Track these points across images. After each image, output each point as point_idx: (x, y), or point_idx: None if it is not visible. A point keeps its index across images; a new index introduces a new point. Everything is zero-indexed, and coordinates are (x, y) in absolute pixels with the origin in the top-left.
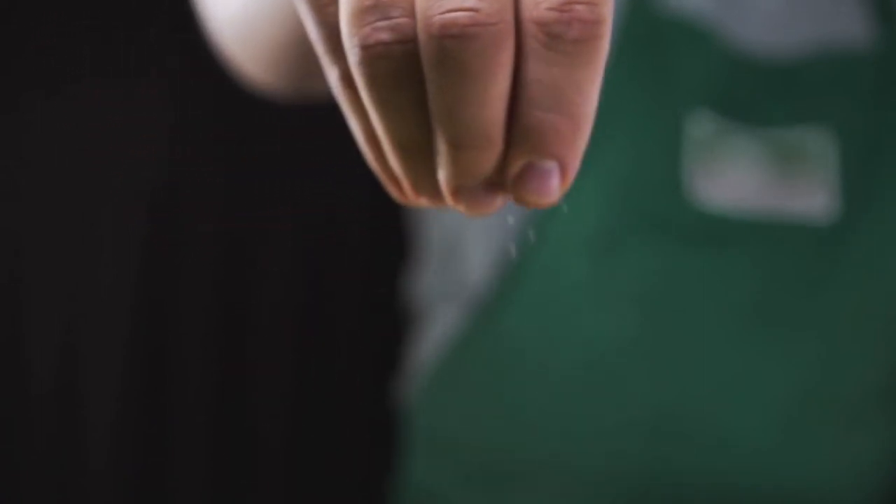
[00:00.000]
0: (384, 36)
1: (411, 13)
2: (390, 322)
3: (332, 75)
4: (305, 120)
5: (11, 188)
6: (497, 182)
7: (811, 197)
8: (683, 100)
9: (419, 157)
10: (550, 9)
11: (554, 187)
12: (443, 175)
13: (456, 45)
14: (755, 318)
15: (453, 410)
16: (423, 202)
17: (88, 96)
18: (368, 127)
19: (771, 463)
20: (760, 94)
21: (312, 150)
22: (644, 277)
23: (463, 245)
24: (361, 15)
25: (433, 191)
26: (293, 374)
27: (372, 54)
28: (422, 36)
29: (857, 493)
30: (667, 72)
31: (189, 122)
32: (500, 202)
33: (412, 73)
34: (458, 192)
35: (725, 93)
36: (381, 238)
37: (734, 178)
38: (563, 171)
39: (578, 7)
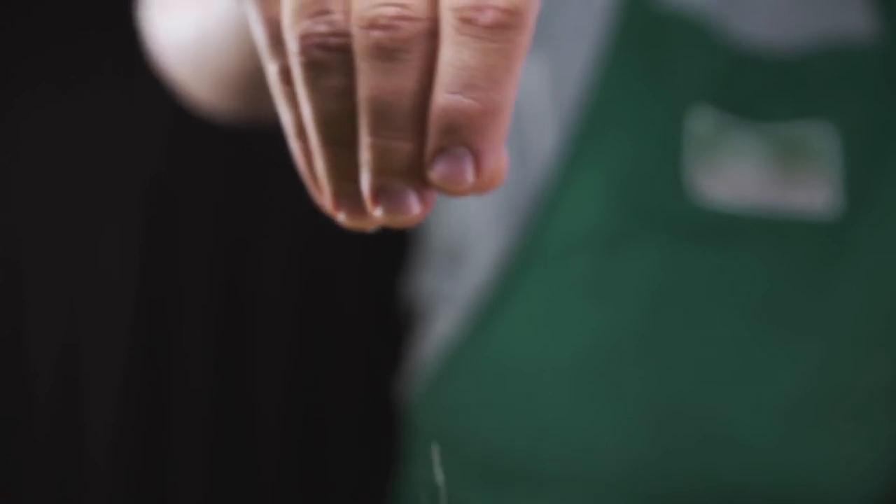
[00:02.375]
0: (321, 28)
1: (348, 11)
2: (392, 322)
3: (271, 70)
4: None
5: (12, 187)
6: (418, 183)
7: (814, 192)
8: (684, 96)
9: (344, 154)
10: None
11: (464, 174)
12: (365, 172)
13: (382, 35)
14: (758, 315)
15: (455, 409)
16: (342, 215)
17: (88, 95)
18: (300, 121)
19: (776, 461)
20: (762, 89)
21: None
22: (646, 275)
23: (465, 247)
24: (302, 9)
25: (354, 197)
26: (294, 373)
27: (309, 44)
28: (354, 29)
29: (862, 491)
30: (667, 68)
31: (189, 121)
32: (420, 207)
33: (344, 64)
34: (379, 192)
35: (726, 88)
36: (382, 238)
37: (736, 174)
38: (476, 159)
39: None
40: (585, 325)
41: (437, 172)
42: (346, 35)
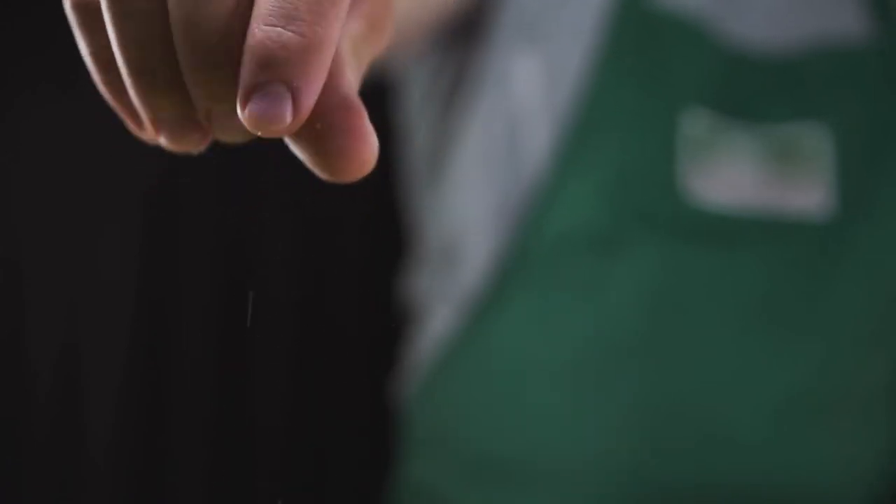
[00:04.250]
0: None
1: None
2: (389, 321)
3: None
4: None
5: (12, 187)
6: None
7: (809, 193)
8: (679, 97)
9: (158, 81)
10: None
11: (282, 113)
12: (194, 95)
13: None
14: (757, 315)
15: (451, 409)
16: (164, 139)
17: (88, 95)
18: (103, 52)
19: (775, 460)
20: (756, 90)
21: None
22: (641, 275)
23: (460, 247)
24: None
25: (175, 120)
26: (292, 372)
27: None
28: None
29: (862, 491)
30: (661, 69)
31: None
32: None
33: None
34: (208, 115)
35: (721, 90)
36: (379, 237)
37: (730, 175)
38: (295, 97)
39: None
40: (580, 325)
41: (252, 111)
42: None
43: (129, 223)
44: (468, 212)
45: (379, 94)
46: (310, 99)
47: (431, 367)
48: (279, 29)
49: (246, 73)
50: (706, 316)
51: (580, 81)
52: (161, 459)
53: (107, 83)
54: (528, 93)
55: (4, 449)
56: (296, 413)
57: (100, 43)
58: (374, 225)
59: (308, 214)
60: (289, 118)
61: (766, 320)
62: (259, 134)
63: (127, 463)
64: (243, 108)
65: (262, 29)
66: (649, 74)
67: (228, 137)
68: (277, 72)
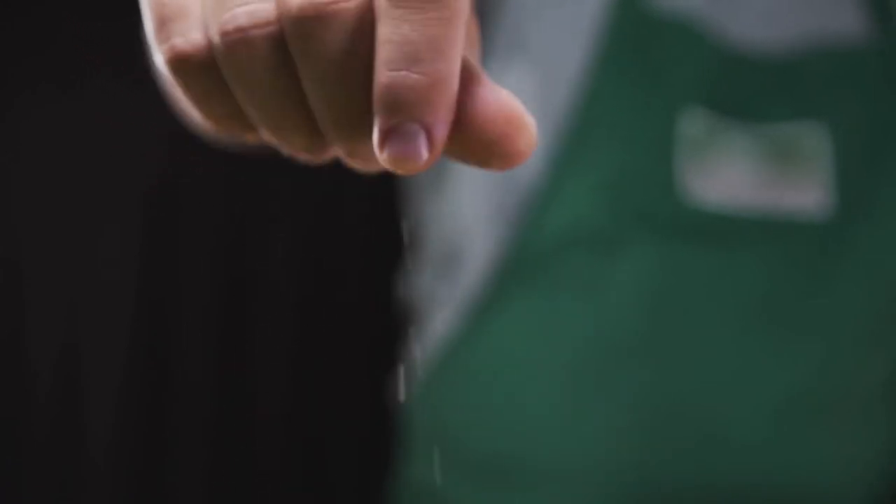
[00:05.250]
0: (242, 21)
1: None
2: (389, 322)
3: (160, 57)
4: None
5: (12, 187)
6: None
7: (807, 193)
8: (676, 97)
9: (298, 136)
10: None
11: (419, 151)
12: (333, 143)
13: (314, 25)
14: (754, 316)
15: (451, 409)
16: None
17: (89, 95)
18: (224, 109)
19: (775, 460)
20: (754, 90)
21: None
22: (639, 275)
23: (460, 249)
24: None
25: (323, 153)
26: (293, 373)
27: (232, 41)
28: (282, 20)
29: (862, 490)
30: (659, 69)
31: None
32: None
33: (278, 55)
34: (350, 155)
35: (719, 89)
36: (380, 238)
37: (728, 175)
38: (429, 133)
39: None
40: (580, 326)
41: (390, 153)
42: (271, 24)
43: (129, 223)
44: (468, 213)
45: None
46: (442, 133)
47: (431, 368)
48: (404, 72)
49: (379, 118)
50: (706, 316)
51: (577, 82)
52: (161, 459)
53: (217, 123)
54: (521, 96)
55: (4, 449)
56: (296, 413)
57: (208, 100)
58: (375, 226)
59: (309, 215)
60: (425, 154)
61: (766, 320)
62: (400, 173)
63: (127, 463)
64: (381, 151)
65: (387, 74)
66: (647, 74)
67: (373, 169)
68: (408, 112)
